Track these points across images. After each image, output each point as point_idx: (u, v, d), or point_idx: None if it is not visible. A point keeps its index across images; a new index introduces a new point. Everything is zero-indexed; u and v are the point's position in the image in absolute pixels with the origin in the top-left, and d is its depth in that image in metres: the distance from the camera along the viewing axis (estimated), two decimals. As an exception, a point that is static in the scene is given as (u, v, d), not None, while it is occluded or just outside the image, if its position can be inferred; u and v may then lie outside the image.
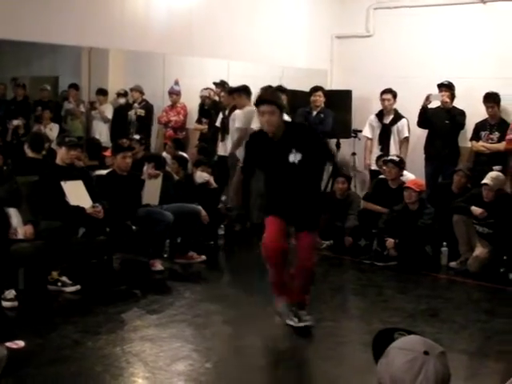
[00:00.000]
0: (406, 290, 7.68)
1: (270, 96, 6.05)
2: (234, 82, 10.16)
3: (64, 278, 7.00)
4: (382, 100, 10.27)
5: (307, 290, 6.17)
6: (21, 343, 5.28)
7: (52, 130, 10.82)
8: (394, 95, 10.23)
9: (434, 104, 9.93)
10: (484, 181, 8.33)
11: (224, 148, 10.29)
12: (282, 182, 5.94)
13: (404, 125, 10.21)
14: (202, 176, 9.23)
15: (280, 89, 9.83)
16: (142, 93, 11.63)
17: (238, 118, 9.70)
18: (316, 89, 10.53)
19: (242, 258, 9.43)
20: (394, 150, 10.11)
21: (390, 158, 9.42)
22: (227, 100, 10.27)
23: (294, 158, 5.80)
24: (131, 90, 11.72)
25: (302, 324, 5.95)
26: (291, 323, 5.97)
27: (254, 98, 9.86)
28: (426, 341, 2.30)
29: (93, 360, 5.23)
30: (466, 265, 8.43)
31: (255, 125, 9.50)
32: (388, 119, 10.29)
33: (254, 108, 9.61)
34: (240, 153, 9.73)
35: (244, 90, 9.80)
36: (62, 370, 5.01)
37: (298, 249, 6.05)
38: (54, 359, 5.19)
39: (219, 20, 9.77)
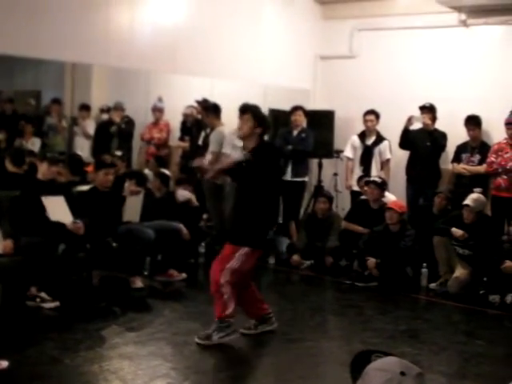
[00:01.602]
0: (385, 311, 7.68)
1: (250, 106, 6.26)
2: (217, 101, 10.17)
3: (43, 294, 6.94)
4: (365, 121, 10.30)
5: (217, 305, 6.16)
6: (4, 363, 5.21)
7: (34, 145, 10.77)
8: (377, 116, 10.27)
9: (416, 126, 9.98)
10: (465, 202, 8.39)
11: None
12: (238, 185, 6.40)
13: (386, 146, 10.24)
14: (183, 194, 9.23)
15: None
16: (122, 110, 11.62)
17: (210, 141, 9.69)
18: (296, 108, 10.50)
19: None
20: (375, 171, 10.14)
21: (372, 179, 9.46)
22: (209, 120, 10.27)
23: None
24: (112, 109, 11.71)
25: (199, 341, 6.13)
26: None
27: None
28: (402, 362, 2.31)
29: (71, 377, 5.19)
30: (445, 286, 8.46)
31: (228, 149, 9.48)
32: (370, 140, 10.32)
33: (223, 129, 9.69)
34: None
35: (212, 109, 9.78)
36: (39, 387, 4.98)
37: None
38: (32, 376, 5.15)
39: (203, 38, 9.79)
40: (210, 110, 9.80)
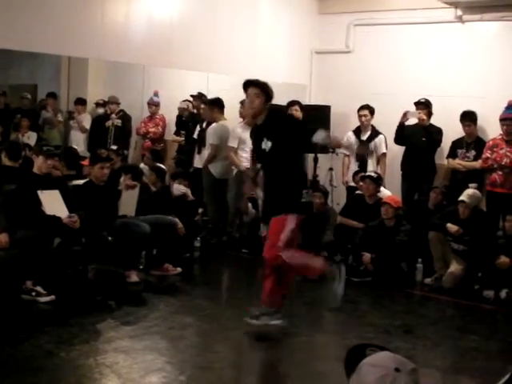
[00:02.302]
0: (380, 306, 7.71)
1: (258, 80, 6.16)
2: (212, 95, 10.19)
3: (38, 288, 6.94)
4: (359, 116, 10.30)
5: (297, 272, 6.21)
6: None
7: (30, 139, 10.78)
8: (372, 111, 10.27)
9: (412, 121, 9.98)
10: (461, 198, 8.40)
11: (200, 160, 10.29)
12: (263, 169, 6.23)
13: (381, 141, 10.24)
14: (179, 188, 9.23)
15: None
16: (118, 103, 11.62)
17: (210, 134, 9.74)
18: (293, 103, 10.50)
19: (218, 270, 9.43)
20: (371, 166, 10.14)
21: (367, 174, 9.46)
22: (206, 112, 10.30)
23: (265, 145, 5.98)
24: (107, 102, 11.72)
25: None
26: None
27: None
28: (397, 357, 2.31)
29: (66, 371, 5.20)
30: (440, 281, 8.48)
31: (233, 142, 9.55)
32: (365, 135, 10.32)
33: (226, 123, 9.73)
34: (214, 168, 9.75)
35: (216, 103, 9.81)
36: (35, 380, 4.98)
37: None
38: (27, 369, 5.15)
39: (199, 33, 9.78)
40: (213, 104, 9.83)
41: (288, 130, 6.05)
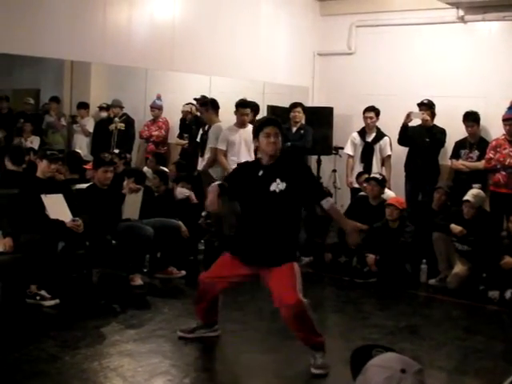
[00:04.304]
0: (385, 307, 7.70)
1: (276, 119, 5.82)
2: (215, 98, 10.17)
3: (43, 292, 6.95)
4: (365, 118, 10.29)
5: (307, 333, 5.55)
6: None
7: (33, 143, 10.79)
8: (377, 113, 10.26)
9: (415, 122, 9.98)
10: (465, 198, 8.40)
11: (203, 164, 10.25)
12: (260, 212, 5.56)
13: (386, 143, 10.23)
14: (182, 192, 9.23)
15: (242, 102, 9.73)
16: (121, 107, 11.63)
17: (209, 137, 9.69)
18: (295, 105, 10.50)
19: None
20: (376, 168, 10.13)
21: (372, 175, 9.45)
22: (205, 115, 10.27)
23: (277, 187, 5.46)
24: (110, 106, 11.73)
25: (315, 371, 5.52)
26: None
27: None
28: (403, 358, 2.31)
29: (70, 375, 5.19)
30: (445, 282, 8.47)
31: (222, 145, 9.45)
32: (370, 137, 10.31)
33: (221, 125, 9.69)
34: (214, 172, 9.71)
35: (211, 104, 9.77)
36: (39, 384, 4.99)
37: (272, 290, 5.48)
38: (31, 374, 5.16)
39: (201, 36, 9.79)
40: (208, 105, 9.79)
41: (303, 173, 5.66)
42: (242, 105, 9.55)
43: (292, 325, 5.48)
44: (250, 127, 9.03)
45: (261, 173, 5.59)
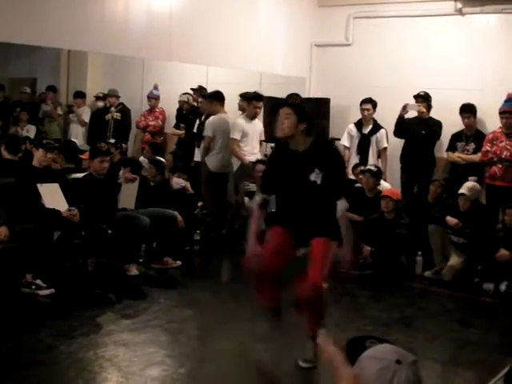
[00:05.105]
0: (380, 299, 7.71)
1: (290, 100, 5.77)
2: (212, 88, 10.17)
3: (38, 281, 6.94)
4: (362, 110, 10.29)
5: (315, 319, 5.43)
6: None
7: (29, 132, 10.76)
8: (374, 105, 10.26)
9: (411, 114, 9.98)
10: (461, 191, 8.41)
11: (200, 154, 10.27)
12: (300, 201, 5.42)
13: (383, 135, 10.24)
14: (178, 182, 9.24)
15: (257, 95, 9.89)
16: (117, 97, 11.61)
17: (206, 126, 9.74)
18: (292, 96, 10.50)
19: (218, 263, 9.43)
20: (372, 160, 10.14)
21: (367, 167, 9.46)
22: (205, 106, 10.28)
23: (316, 177, 5.30)
24: (107, 95, 11.70)
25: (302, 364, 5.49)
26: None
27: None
28: (397, 350, 2.32)
29: (66, 364, 5.20)
30: (440, 274, 8.48)
31: (237, 135, 9.55)
32: (367, 129, 10.31)
33: (225, 116, 9.72)
34: (210, 162, 9.72)
35: (215, 96, 9.81)
36: (35, 373, 4.99)
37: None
38: (27, 363, 5.16)
39: (199, 26, 9.77)
40: (213, 97, 9.82)
41: (337, 162, 5.55)
42: (256, 98, 9.83)
43: (303, 305, 5.37)
44: (258, 120, 9.75)
45: (297, 160, 5.40)
